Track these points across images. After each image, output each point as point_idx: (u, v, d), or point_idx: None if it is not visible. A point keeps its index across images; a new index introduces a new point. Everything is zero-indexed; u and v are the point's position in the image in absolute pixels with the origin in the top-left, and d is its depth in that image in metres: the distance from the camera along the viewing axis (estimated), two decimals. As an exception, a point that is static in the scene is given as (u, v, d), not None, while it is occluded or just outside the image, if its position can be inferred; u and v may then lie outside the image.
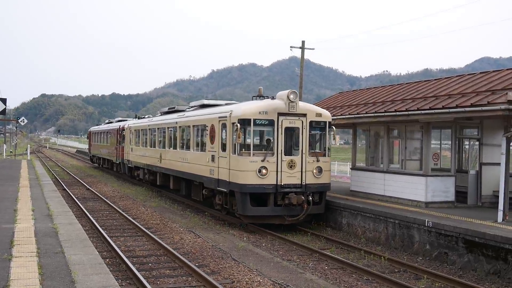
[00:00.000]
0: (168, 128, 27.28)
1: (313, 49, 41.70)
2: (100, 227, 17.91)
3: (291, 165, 18.09)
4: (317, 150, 18.95)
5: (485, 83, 17.50)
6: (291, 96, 18.25)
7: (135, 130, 35.37)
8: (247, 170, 17.68)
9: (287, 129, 18.30)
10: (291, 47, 39.65)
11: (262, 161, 17.79)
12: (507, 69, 18.68)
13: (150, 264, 13.58)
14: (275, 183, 17.82)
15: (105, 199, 25.80)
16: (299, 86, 39.51)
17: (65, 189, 29.94)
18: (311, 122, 18.53)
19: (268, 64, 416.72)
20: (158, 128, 29.54)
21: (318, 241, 17.20)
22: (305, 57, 40.64)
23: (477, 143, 19.49)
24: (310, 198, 18.06)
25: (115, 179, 39.73)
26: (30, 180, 30.53)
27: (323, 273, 13.03)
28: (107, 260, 13.50)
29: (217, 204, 20.85)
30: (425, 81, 22.47)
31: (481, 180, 18.86)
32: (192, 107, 26.10)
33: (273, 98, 19.06)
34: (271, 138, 18.40)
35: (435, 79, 22.31)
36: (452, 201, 18.51)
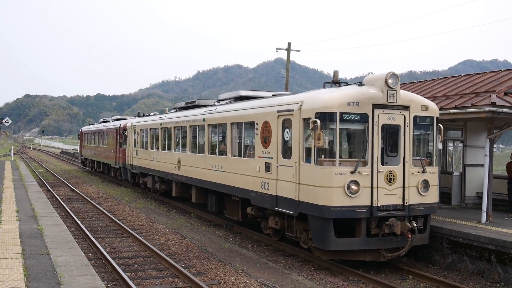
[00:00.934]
0: (190, 126, 21.80)
1: (299, 50, 41.71)
2: (86, 228, 17.84)
3: (390, 178, 13.06)
4: (422, 157, 13.88)
5: (469, 85, 17.71)
6: (391, 81, 13.08)
7: (141, 129, 29.79)
8: (330, 186, 12.50)
9: (384, 127, 13.28)
10: (277, 48, 39.70)
11: (352, 173, 12.59)
12: (490, 72, 18.95)
13: (136, 266, 13.55)
14: (369, 204, 12.74)
15: (90, 200, 25.67)
16: (285, 87, 39.59)
17: (49, 190, 29.73)
18: (415, 117, 13.53)
19: (254, 65, 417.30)
20: (175, 127, 23.87)
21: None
22: (291, 58, 40.75)
23: (460, 144, 19.68)
24: (415, 224, 13.10)
25: (100, 180, 39.51)
26: (14, 181, 30.29)
27: (309, 274, 13.09)
28: (93, 261, 13.46)
29: (269, 228, 16.09)
30: (410, 83, 22.67)
31: (465, 181, 19.05)
32: (221, 100, 20.83)
33: (360, 84, 13.76)
34: (365, 140, 13.04)
35: (420, 81, 22.53)
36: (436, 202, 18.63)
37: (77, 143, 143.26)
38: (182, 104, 25.61)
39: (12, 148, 66.82)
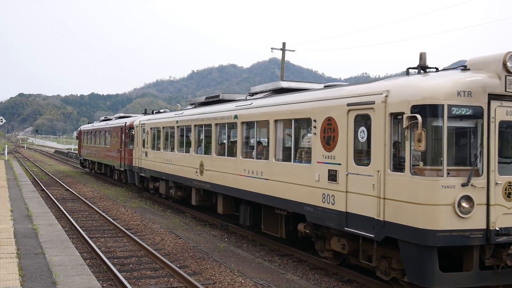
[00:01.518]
0: (217, 125, 18.50)
1: (293, 50, 41.71)
2: (80, 228, 17.80)
3: (510, 193, 10.06)
4: None
5: None
6: (511, 64, 10.14)
7: (152, 128, 26.42)
8: (436, 204, 9.53)
9: (502, 125, 10.24)
10: (272, 48, 39.66)
11: (464, 185, 9.63)
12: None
13: (131, 265, 13.54)
14: (485, 226, 9.81)
15: (84, 200, 25.62)
16: (280, 87, 39.57)
17: (44, 189, 29.65)
18: None
19: (248, 65, 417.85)
20: (196, 126, 20.58)
21: None
22: (286, 58, 40.76)
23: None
24: None
25: (94, 180, 39.44)
26: (8, 180, 30.23)
27: (305, 274, 13.11)
28: (88, 261, 13.42)
29: (328, 250, 12.93)
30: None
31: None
32: (255, 93, 17.73)
33: (464, 68, 10.54)
34: (479, 143, 10.05)
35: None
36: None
37: (71, 142, 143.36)
38: (202, 99, 22.34)
39: (6, 148, 66.59)
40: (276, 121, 14.48)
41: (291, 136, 14.02)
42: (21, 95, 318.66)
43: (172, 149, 23.29)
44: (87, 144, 45.74)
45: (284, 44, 39.46)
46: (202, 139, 20.29)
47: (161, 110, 29.22)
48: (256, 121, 15.84)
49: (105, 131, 38.45)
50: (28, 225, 15.28)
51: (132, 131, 30.20)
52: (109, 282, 11.75)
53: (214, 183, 18.30)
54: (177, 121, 22.65)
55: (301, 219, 13.51)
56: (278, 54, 39.89)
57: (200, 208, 21.99)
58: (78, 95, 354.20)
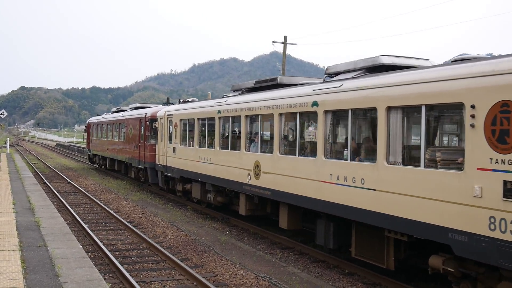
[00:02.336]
0: (282, 115, 14.61)
1: (295, 44, 41.63)
2: (82, 220, 17.86)
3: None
4: None
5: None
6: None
7: (183, 119, 22.26)
8: None
9: None
10: (273, 41, 39.55)
11: None
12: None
13: (133, 258, 13.59)
14: None
15: (86, 193, 25.68)
16: (281, 81, 39.53)
17: (45, 182, 29.72)
18: None
19: (250, 58, 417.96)
20: (247, 116, 16.51)
21: None
22: (287, 52, 40.70)
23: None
24: None
25: (96, 173, 39.49)
26: (10, 173, 30.31)
27: (306, 267, 13.16)
28: (90, 254, 13.48)
29: None
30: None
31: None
32: (338, 73, 13.52)
33: None
34: None
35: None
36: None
37: (73, 135, 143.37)
38: (251, 83, 18.28)
39: (8, 141, 66.71)
40: (390, 108, 10.49)
41: (421, 129, 9.81)
42: (22, 88, 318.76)
43: (212, 145, 19.23)
44: (97, 138, 41.58)
45: (285, 37, 39.40)
46: (257, 133, 16.34)
47: (189, 99, 24.83)
48: (352, 109, 11.83)
49: (119, 123, 34.45)
50: (30, 218, 15.34)
51: (155, 123, 26.20)
52: (111, 275, 11.80)
53: (277, 189, 14.43)
54: (219, 111, 18.58)
55: (431, 247, 10.04)
56: (279, 48, 39.96)
57: (249, 219, 18.53)
58: (80, 88, 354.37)
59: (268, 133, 16.37)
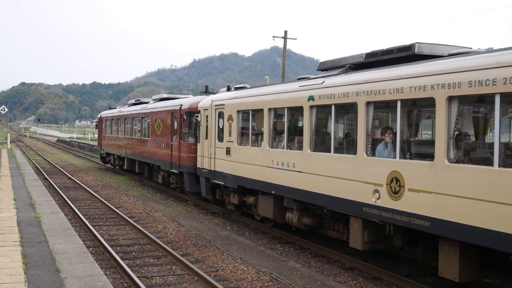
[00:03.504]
0: (453, 100, 9.16)
1: (295, 39, 41.55)
2: (83, 216, 17.87)
3: None
4: None
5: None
6: None
7: (241, 110, 17.12)
8: None
9: None
10: (273, 36, 39.54)
11: None
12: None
13: (134, 253, 13.60)
14: None
15: (87, 188, 25.69)
16: (282, 75, 39.54)
17: (46, 178, 29.73)
18: None
19: (250, 54, 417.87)
20: (371, 103, 11.18)
21: None
22: (287, 47, 40.66)
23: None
24: None
25: (96, 168, 39.50)
26: (11, 169, 30.34)
27: (307, 261, 13.17)
28: (91, 249, 13.50)
29: None
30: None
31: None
32: None
33: None
34: None
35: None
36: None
37: (73, 131, 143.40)
38: (361, 57, 12.58)
39: (9, 136, 66.71)
40: None
41: None
42: (23, 84, 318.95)
43: (294, 145, 14.10)
44: (112, 134, 36.37)
45: (285, 32, 39.35)
46: (392, 129, 11.03)
47: (239, 85, 18.91)
48: None
49: (142, 117, 29.13)
50: (31, 214, 15.34)
51: (196, 116, 20.40)
52: (112, 270, 11.81)
53: (445, 219, 9.21)
54: (310, 98, 12.94)
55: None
56: (279, 43, 39.90)
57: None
58: (80, 84, 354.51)
59: (420, 128, 11.84)
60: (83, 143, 71.14)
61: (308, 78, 14.10)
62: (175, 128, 23.30)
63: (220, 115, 18.37)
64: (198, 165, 20.25)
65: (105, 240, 14.41)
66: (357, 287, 11.16)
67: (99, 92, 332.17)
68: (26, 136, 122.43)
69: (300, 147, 13.70)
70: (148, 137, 27.49)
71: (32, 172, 29.81)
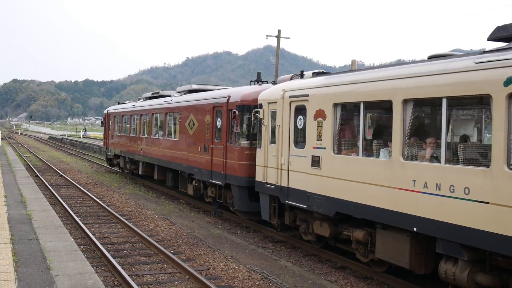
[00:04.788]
0: None
1: (288, 38, 41.56)
2: (74, 214, 17.81)
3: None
4: None
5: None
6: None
7: (340, 104, 12.18)
8: None
9: None
10: (267, 35, 39.50)
11: None
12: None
13: (125, 251, 13.57)
14: None
15: (78, 186, 25.60)
16: (275, 75, 39.55)
17: (38, 175, 29.60)
18: None
19: (243, 52, 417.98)
20: None
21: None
22: (280, 46, 40.67)
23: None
24: None
25: (88, 166, 39.37)
26: (2, 166, 30.17)
27: (298, 260, 13.19)
28: (82, 247, 13.45)
29: None
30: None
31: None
32: None
33: None
34: None
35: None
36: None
37: (65, 128, 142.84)
38: None
39: (0, 133, 66.36)
40: None
41: None
42: (15, 80, 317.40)
43: (472, 158, 9.10)
44: (123, 133, 31.20)
45: (279, 31, 39.33)
46: None
47: (318, 71, 14.28)
48: None
49: (165, 113, 23.68)
50: (22, 211, 15.27)
51: (257, 112, 15.26)
52: (103, 268, 11.78)
53: None
54: (509, 81, 8.12)
55: None
56: (273, 42, 39.95)
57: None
58: (72, 81, 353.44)
59: None
60: (75, 141, 70.91)
61: (455, 56, 9.83)
62: (218, 126, 17.98)
63: (300, 110, 13.40)
64: (258, 178, 15.17)
65: (96, 238, 14.37)
66: (348, 286, 11.19)
67: (91, 89, 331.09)
68: (17, 133, 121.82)
69: (479, 161, 8.95)
70: (175, 137, 22.27)
71: (23, 170, 29.67)
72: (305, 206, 12.89)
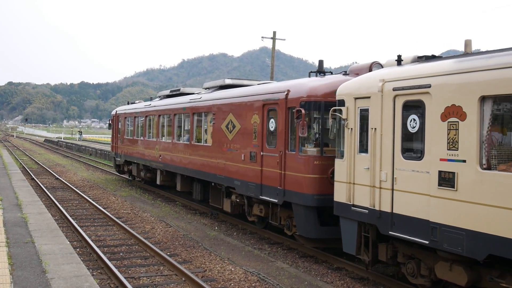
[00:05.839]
0: None
1: (284, 39, 41.57)
2: (70, 216, 17.78)
3: None
4: None
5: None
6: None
7: None
8: None
9: None
10: (262, 37, 39.52)
11: None
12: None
13: (121, 254, 13.56)
14: None
15: (74, 189, 25.55)
16: (270, 76, 39.58)
17: (33, 178, 29.54)
18: None
19: (239, 54, 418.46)
20: None
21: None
22: (276, 47, 40.73)
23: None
24: None
25: (84, 168, 39.30)
26: (-3, 169, 30.07)
27: (294, 262, 13.19)
28: (78, 250, 13.44)
29: None
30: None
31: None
32: None
33: None
34: None
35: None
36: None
37: (61, 131, 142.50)
38: None
39: (-5, 136, 66.21)
40: None
41: None
42: (10, 83, 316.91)
43: None
44: (136, 137, 27.45)
45: (274, 33, 39.36)
46: None
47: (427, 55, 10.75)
48: None
49: (193, 114, 19.96)
50: (17, 214, 15.23)
51: (337, 113, 11.64)
52: (99, 271, 11.77)
53: None
54: None
55: None
56: (268, 43, 39.90)
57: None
58: (68, 84, 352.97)
59: None
60: (71, 143, 70.78)
61: None
62: (271, 129, 14.38)
63: (412, 107, 9.95)
64: (338, 198, 11.53)
65: (92, 240, 14.34)
66: (344, 287, 11.20)
67: (87, 92, 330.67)
68: (13, 136, 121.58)
69: None
70: (206, 142, 18.74)
71: (19, 172, 29.60)
72: (427, 242, 9.21)
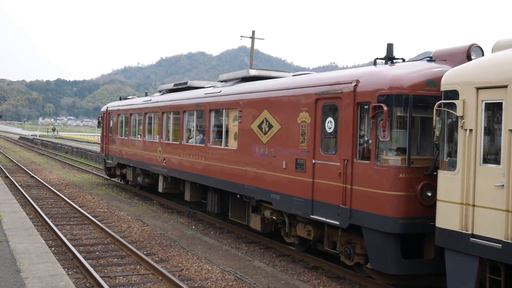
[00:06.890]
0: None
1: (263, 39, 41.61)
2: (45, 215, 17.59)
3: None
4: None
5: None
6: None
7: None
8: None
9: None
10: (241, 36, 39.56)
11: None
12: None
13: (97, 253, 13.46)
14: None
15: (50, 187, 25.28)
16: (249, 75, 39.60)
17: (8, 176, 29.15)
18: None
19: (218, 53, 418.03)
20: None
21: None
22: (255, 47, 40.76)
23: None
24: None
25: (60, 166, 38.89)
26: (-29, 167, 29.65)
27: (271, 261, 13.23)
28: (53, 249, 13.31)
29: None
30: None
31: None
32: None
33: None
34: None
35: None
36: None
37: (36, 128, 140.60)
38: None
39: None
40: None
41: None
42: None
43: None
44: (132, 137, 24.26)
45: (253, 32, 39.41)
46: None
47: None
48: None
49: (209, 111, 16.81)
50: (-9, 213, 15.04)
51: (448, 108, 8.72)
52: (74, 270, 11.67)
53: None
54: None
55: None
56: (247, 42, 39.95)
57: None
58: (44, 80, 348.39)
59: None
60: (47, 141, 69.96)
61: None
62: (329, 130, 11.37)
63: None
64: (446, 224, 8.67)
65: (68, 239, 14.22)
66: (321, 286, 11.27)
67: (63, 89, 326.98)
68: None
69: None
70: (228, 144, 15.71)
71: (-7, 170, 29.20)
72: None
